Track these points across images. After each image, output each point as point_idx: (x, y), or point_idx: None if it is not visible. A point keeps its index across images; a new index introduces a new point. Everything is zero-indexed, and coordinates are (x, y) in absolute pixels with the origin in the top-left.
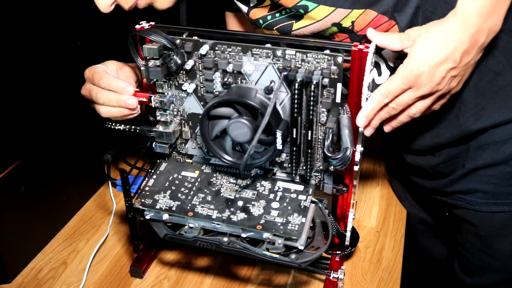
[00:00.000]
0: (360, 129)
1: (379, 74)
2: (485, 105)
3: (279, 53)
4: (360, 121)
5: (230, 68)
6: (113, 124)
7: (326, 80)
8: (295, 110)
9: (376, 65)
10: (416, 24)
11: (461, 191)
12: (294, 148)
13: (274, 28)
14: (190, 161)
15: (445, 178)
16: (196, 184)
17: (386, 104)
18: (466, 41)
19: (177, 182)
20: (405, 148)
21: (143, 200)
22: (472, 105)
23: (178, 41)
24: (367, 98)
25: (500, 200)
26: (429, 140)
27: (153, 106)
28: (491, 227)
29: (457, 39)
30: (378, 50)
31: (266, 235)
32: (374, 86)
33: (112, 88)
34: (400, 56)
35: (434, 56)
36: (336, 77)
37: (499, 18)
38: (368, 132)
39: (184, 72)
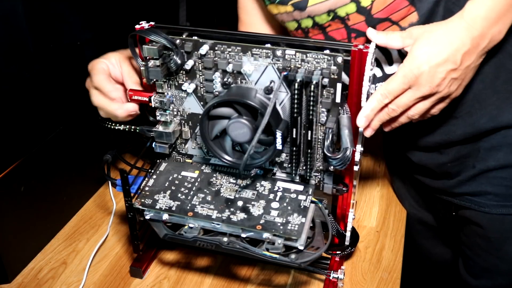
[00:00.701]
0: (360, 129)
1: (390, 63)
2: (500, 104)
3: (279, 53)
4: (360, 121)
5: (230, 68)
6: (113, 124)
7: (326, 80)
8: (295, 110)
9: (387, 54)
10: (436, 13)
11: (470, 192)
12: (294, 148)
13: (288, 3)
14: (190, 161)
15: (452, 178)
16: (196, 184)
17: (386, 105)
18: (468, 43)
19: (177, 182)
20: (412, 144)
21: (143, 200)
22: (487, 103)
23: (178, 41)
24: (369, 94)
25: (511, 203)
26: (439, 137)
27: (153, 106)
28: (501, 230)
29: (459, 39)
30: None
31: (266, 235)
32: (384, 76)
33: (104, 91)
34: None
35: (435, 56)
36: (336, 77)
37: (503, 27)
38: (368, 133)
39: (184, 72)
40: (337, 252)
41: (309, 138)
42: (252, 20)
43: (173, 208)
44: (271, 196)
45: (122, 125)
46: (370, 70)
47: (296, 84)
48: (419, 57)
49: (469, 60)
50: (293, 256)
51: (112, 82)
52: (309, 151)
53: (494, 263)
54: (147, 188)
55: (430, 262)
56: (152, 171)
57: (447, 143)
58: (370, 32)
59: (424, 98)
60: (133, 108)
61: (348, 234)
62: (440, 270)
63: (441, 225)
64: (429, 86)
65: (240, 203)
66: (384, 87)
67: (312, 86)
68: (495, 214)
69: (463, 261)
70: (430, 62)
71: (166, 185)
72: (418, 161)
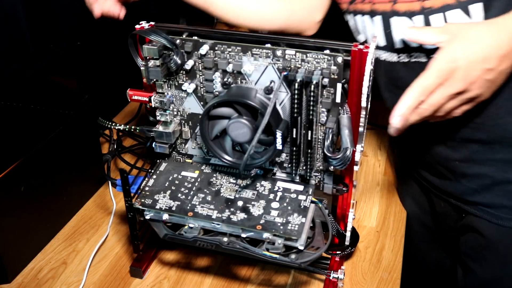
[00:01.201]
0: (360, 129)
1: (470, 15)
2: None
3: (279, 53)
4: (395, 120)
5: (230, 68)
6: (113, 124)
7: (326, 80)
8: (295, 110)
9: (463, 6)
10: None
11: (483, 203)
12: (294, 148)
13: None
14: (190, 161)
15: (454, 176)
16: (196, 184)
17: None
18: (506, 47)
19: (177, 182)
20: (431, 133)
21: (143, 200)
22: None
23: (178, 41)
24: (368, 95)
25: None
26: (463, 133)
27: (153, 106)
28: (511, 244)
29: (498, 41)
30: None
31: (266, 235)
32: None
33: None
34: None
35: (474, 53)
36: (336, 77)
37: None
38: (393, 132)
39: (184, 72)
40: (337, 252)
41: (309, 138)
42: None
43: (173, 208)
44: (271, 196)
45: (122, 125)
46: (370, 70)
47: (296, 84)
48: (456, 51)
49: (505, 64)
50: (293, 256)
51: None
52: (309, 151)
53: (499, 277)
54: (147, 188)
55: (426, 264)
56: (152, 171)
57: (469, 140)
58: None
59: (455, 96)
60: (108, 11)
61: (348, 234)
62: (436, 273)
63: (441, 230)
64: (463, 82)
65: (240, 203)
66: (418, 83)
67: (312, 86)
68: (508, 227)
69: (463, 273)
70: (468, 58)
71: (166, 185)
72: (426, 148)
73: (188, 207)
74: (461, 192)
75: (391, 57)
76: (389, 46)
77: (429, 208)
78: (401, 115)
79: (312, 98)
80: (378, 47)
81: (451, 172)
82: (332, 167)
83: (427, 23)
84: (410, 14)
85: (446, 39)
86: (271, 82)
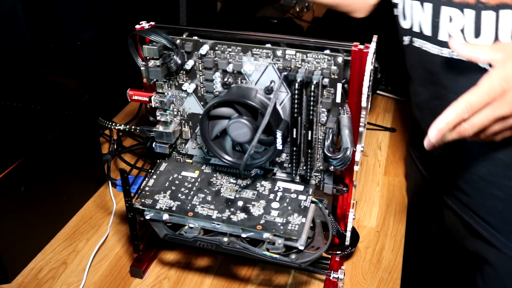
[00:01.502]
0: (360, 129)
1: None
2: None
3: (279, 53)
4: (432, 133)
5: (230, 68)
6: (113, 124)
7: (326, 80)
8: (295, 110)
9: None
10: None
11: (496, 227)
12: (294, 148)
13: None
14: (190, 161)
15: (469, 190)
16: (196, 184)
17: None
18: None
19: (177, 182)
20: (453, 145)
21: (143, 200)
22: None
23: (178, 41)
24: (368, 96)
25: None
26: (482, 150)
27: (153, 106)
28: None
29: None
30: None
31: (266, 235)
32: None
33: None
34: None
35: None
36: (336, 77)
37: None
38: (427, 145)
39: (184, 72)
40: (337, 252)
41: (309, 138)
42: None
43: (173, 208)
44: (271, 196)
45: (122, 125)
46: (370, 70)
47: (297, 84)
48: (511, 71)
49: None
50: (293, 256)
51: None
52: (309, 151)
53: None
54: (147, 188)
55: (426, 265)
56: (152, 171)
57: (487, 158)
58: (454, 43)
59: (499, 120)
60: None
61: (348, 234)
62: (436, 274)
63: (447, 244)
64: None
65: (240, 203)
66: (465, 99)
67: (313, 86)
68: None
69: None
70: None
71: (166, 185)
72: (445, 156)
73: (188, 207)
74: (472, 205)
75: (433, 49)
76: (434, 37)
77: (437, 216)
78: (439, 129)
79: (312, 98)
80: (422, 36)
81: (465, 184)
82: (332, 167)
83: (478, 18)
84: (463, 6)
85: (501, 57)
86: (271, 82)
